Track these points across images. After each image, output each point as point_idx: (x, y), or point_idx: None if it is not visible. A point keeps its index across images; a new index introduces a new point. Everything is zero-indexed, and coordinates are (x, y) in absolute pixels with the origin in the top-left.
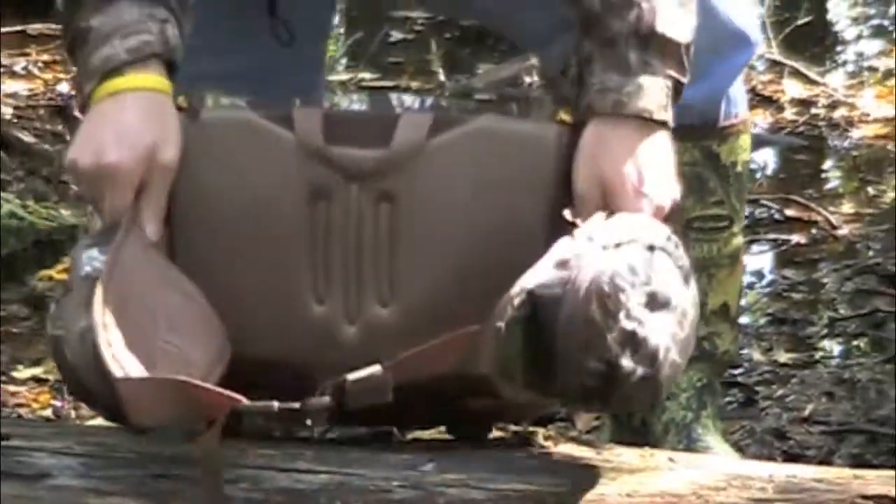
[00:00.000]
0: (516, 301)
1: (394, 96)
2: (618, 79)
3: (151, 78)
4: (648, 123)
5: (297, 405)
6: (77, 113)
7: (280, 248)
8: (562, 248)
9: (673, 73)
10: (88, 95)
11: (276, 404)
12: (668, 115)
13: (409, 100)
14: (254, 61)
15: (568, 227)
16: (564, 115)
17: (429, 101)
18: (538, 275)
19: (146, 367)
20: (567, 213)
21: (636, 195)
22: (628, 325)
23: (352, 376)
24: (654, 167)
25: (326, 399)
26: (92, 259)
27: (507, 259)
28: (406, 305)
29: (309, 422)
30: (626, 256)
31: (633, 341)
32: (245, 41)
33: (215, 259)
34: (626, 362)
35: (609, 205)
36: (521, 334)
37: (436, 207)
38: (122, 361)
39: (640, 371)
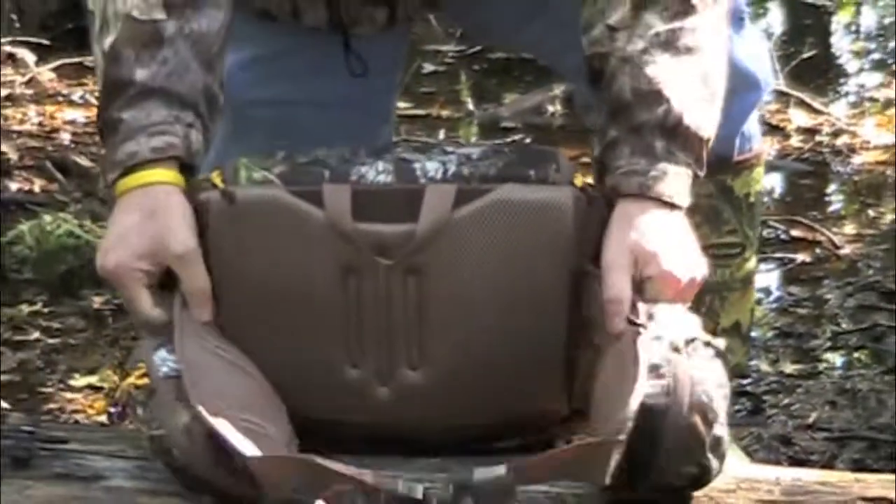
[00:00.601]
0: (632, 413)
1: (417, 165)
2: (644, 163)
3: (162, 172)
4: (669, 206)
5: (419, 495)
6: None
7: (316, 319)
8: (646, 351)
9: (693, 164)
10: (111, 185)
11: (400, 486)
12: (686, 201)
13: (432, 168)
14: (328, 90)
15: (630, 328)
16: (581, 179)
17: (451, 167)
18: (644, 385)
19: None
20: (632, 316)
21: (665, 265)
22: (719, 431)
23: (477, 475)
24: (681, 244)
25: (448, 493)
26: (165, 360)
27: (530, 324)
28: (434, 369)
29: None
30: (704, 363)
31: (719, 444)
32: (319, 72)
33: (257, 332)
34: (714, 463)
35: (641, 275)
36: (629, 443)
37: (460, 278)
38: (241, 442)
39: (717, 466)
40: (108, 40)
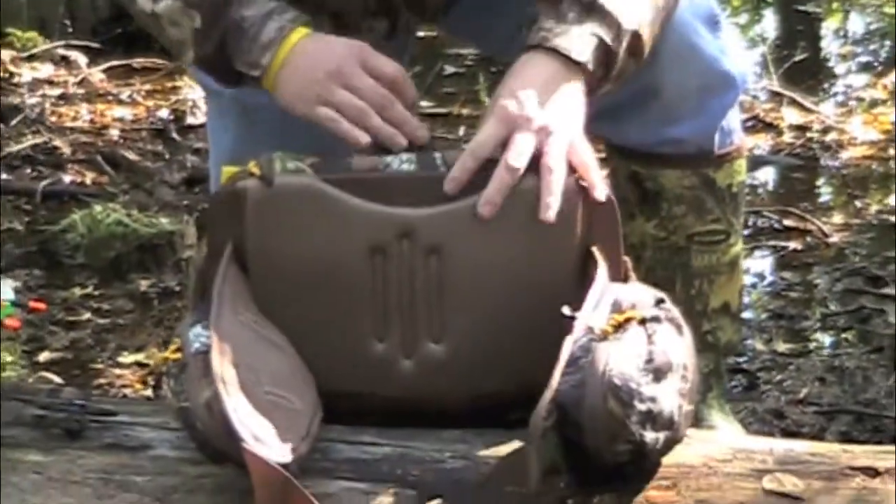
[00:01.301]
0: (545, 413)
1: (438, 156)
2: (552, 24)
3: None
4: (567, 64)
5: None
6: (175, 135)
7: (345, 297)
8: (569, 347)
9: (607, 39)
10: (265, 68)
11: None
12: (587, 60)
13: (451, 158)
14: None
15: (567, 321)
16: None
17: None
18: (556, 381)
19: (265, 420)
20: (565, 309)
21: (528, 119)
22: (643, 406)
23: None
24: (560, 99)
25: None
26: (198, 336)
27: (542, 300)
28: (454, 341)
29: None
30: (627, 343)
31: (650, 417)
32: None
33: (291, 309)
34: (650, 436)
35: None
36: (555, 437)
37: (477, 257)
38: (249, 426)
39: (662, 436)
40: None
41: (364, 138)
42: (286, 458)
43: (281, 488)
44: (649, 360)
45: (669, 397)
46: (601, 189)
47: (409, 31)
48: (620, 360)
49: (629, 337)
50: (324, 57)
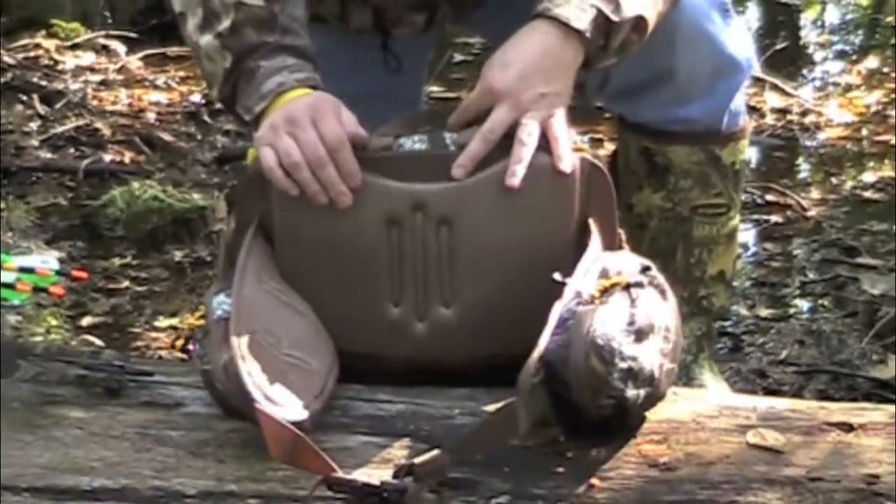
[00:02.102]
0: (532, 370)
1: (448, 136)
2: None
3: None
4: (567, 33)
5: (377, 483)
6: (207, 118)
7: (363, 265)
8: (558, 311)
9: (603, 8)
10: (258, 115)
11: (360, 480)
12: (584, 28)
13: (463, 136)
14: (367, 84)
15: (558, 287)
16: (583, 147)
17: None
18: (544, 342)
19: (279, 381)
20: (556, 275)
21: (511, 92)
22: (624, 364)
23: (419, 460)
24: (549, 72)
25: (400, 481)
26: (221, 303)
27: (544, 268)
28: (464, 306)
29: (385, 497)
30: (611, 307)
31: (631, 374)
32: (359, 68)
33: (313, 277)
34: (631, 392)
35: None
36: (544, 393)
37: (485, 228)
38: (261, 387)
39: (643, 393)
40: (224, 25)
41: (292, 190)
42: (298, 416)
43: (292, 443)
44: (631, 322)
45: (650, 356)
46: (567, 163)
47: (442, 25)
48: (604, 321)
49: (614, 301)
50: (288, 108)
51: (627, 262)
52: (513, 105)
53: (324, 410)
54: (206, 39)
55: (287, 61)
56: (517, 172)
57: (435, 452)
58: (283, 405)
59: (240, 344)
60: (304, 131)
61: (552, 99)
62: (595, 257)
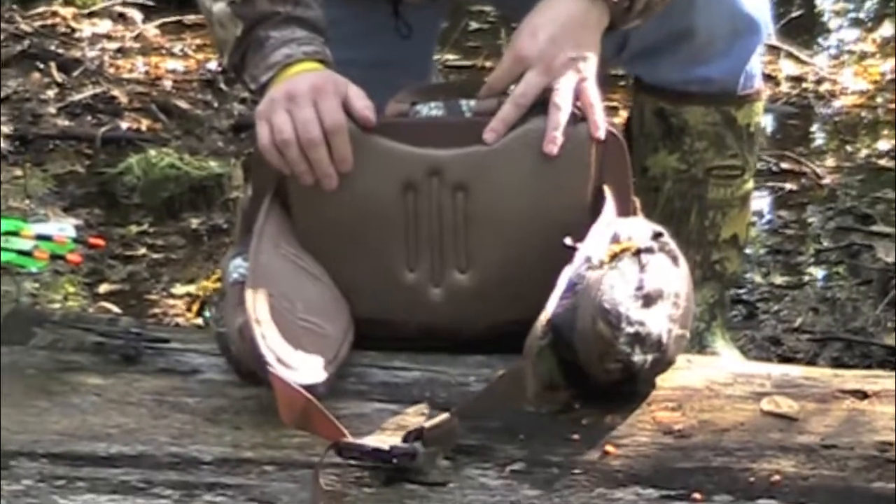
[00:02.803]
0: (540, 333)
1: (464, 103)
2: None
3: (318, 65)
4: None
5: (387, 447)
6: (223, 86)
7: (379, 230)
8: (567, 275)
9: None
10: (264, 85)
11: (370, 445)
12: None
13: (476, 105)
14: (378, 51)
15: (569, 251)
16: None
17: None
18: (553, 306)
19: (293, 345)
20: (567, 240)
21: (541, 58)
22: (631, 329)
23: (428, 423)
24: (577, 38)
25: (409, 445)
26: (237, 267)
27: (559, 234)
28: (480, 272)
29: (395, 461)
30: (620, 272)
31: (638, 339)
32: (370, 35)
33: (330, 243)
34: (638, 357)
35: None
36: (551, 356)
37: (499, 194)
38: (275, 350)
39: (650, 358)
40: None
41: (284, 169)
42: (310, 381)
43: (303, 408)
44: (640, 288)
45: (658, 322)
46: (602, 129)
47: None
48: (612, 286)
49: (623, 266)
50: (292, 83)
51: (639, 228)
52: (544, 70)
53: (339, 377)
54: (219, 6)
55: (297, 33)
56: (556, 139)
57: (444, 416)
58: (297, 369)
59: (255, 307)
60: (300, 109)
61: (582, 63)
62: (607, 223)
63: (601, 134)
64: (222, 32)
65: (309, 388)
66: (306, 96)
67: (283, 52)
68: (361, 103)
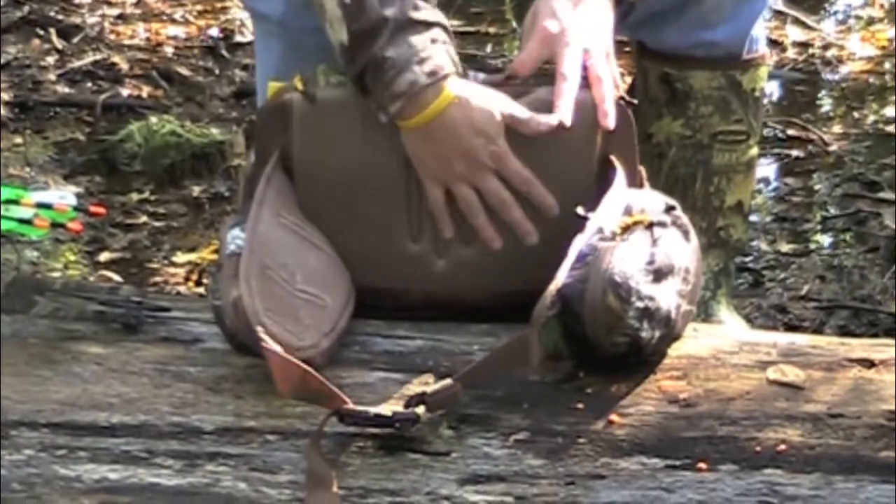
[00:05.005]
0: (548, 303)
1: (472, 73)
2: None
3: (443, 98)
4: None
5: (389, 413)
6: (225, 52)
7: (382, 200)
8: (578, 245)
9: None
10: (395, 115)
11: (371, 411)
12: None
13: (482, 75)
14: None
15: (580, 221)
16: None
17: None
18: (563, 276)
19: (290, 317)
20: (579, 209)
21: (561, 35)
22: (640, 303)
23: (430, 389)
24: (590, 14)
25: (411, 411)
26: (235, 238)
27: (565, 204)
28: (483, 244)
29: (397, 426)
30: (632, 245)
31: (647, 314)
32: None
33: (333, 213)
34: (646, 332)
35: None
36: (557, 326)
37: None
38: (265, 325)
39: (658, 333)
40: None
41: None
42: (305, 353)
43: (301, 379)
44: (651, 262)
45: (668, 297)
46: (608, 103)
47: None
48: (623, 259)
49: (634, 239)
50: (451, 131)
51: (652, 201)
52: (569, 44)
53: (341, 346)
54: (331, 5)
55: (414, 46)
56: (565, 110)
57: (446, 381)
58: (290, 342)
59: (249, 280)
60: (483, 179)
61: (597, 37)
62: (620, 193)
63: (609, 109)
64: (332, 33)
65: (306, 360)
66: (481, 152)
67: (406, 79)
68: (529, 119)
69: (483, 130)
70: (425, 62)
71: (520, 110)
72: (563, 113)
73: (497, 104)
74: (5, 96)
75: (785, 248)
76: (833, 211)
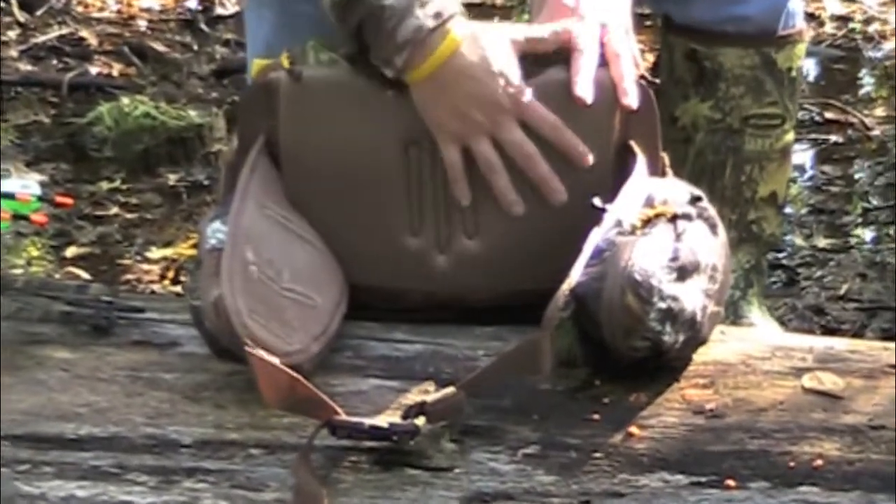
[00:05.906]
0: (561, 303)
1: None
2: None
3: (450, 41)
4: None
5: (385, 424)
6: (204, 26)
7: (379, 189)
8: (594, 240)
9: None
10: (402, 67)
11: (366, 422)
12: None
13: None
14: None
15: (597, 213)
16: None
17: None
18: (577, 274)
19: (276, 319)
20: (596, 200)
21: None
22: (663, 304)
23: (430, 398)
24: None
25: (410, 422)
26: (216, 231)
27: (578, 195)
28: (489, 237)
29: (394, 439)
30: (653, 239)
31: (670, 316)
32: None
33: (323, 203)
34: (668, 336)
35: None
36: (572, 328)
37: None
38: (249, 327)
39: (682, 337)
40: None
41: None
42: (293, 359)
43: (289, 387)
44: (674, 258)
45: (693, 297)
46: (630, 87)
47: None
48: (644, 255)
49: (657, 233)
50: (458, 90)
51: (675, 191)
52: (585, 17)
53: (333, 350)
54: None
55: None
56: (583, 85)
57: (448, 390)
58: (276, 347)
59: (232, 278)
60: (507, 131)
61: (615, 11)
62: (640, 183)
63: (629, 88)
64: None
65: (293, 366)
66: (506, 108)
67: (410, 25)
68: (549, 35)
69: (500, 70)
70: (427, 4)
71: (534, 30)
72: (582, 88)
73: (510, 36)
74: None
75: (822, 243)
76: (875, 202)
